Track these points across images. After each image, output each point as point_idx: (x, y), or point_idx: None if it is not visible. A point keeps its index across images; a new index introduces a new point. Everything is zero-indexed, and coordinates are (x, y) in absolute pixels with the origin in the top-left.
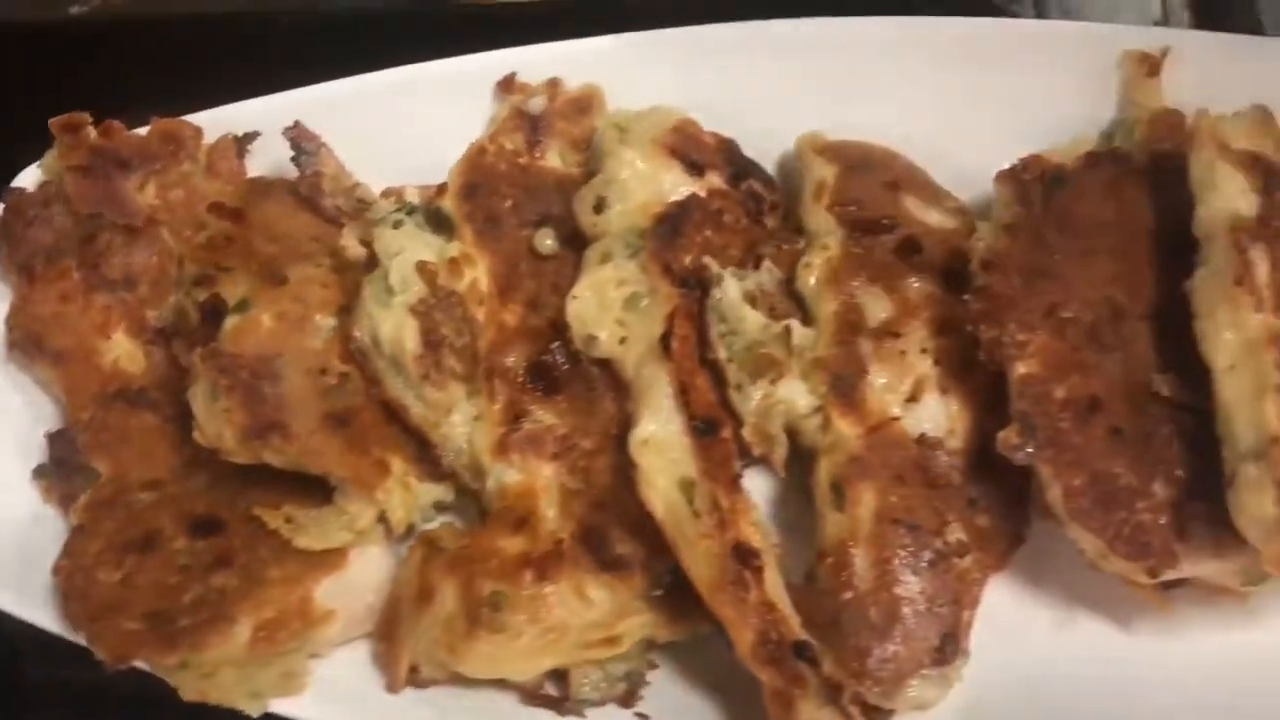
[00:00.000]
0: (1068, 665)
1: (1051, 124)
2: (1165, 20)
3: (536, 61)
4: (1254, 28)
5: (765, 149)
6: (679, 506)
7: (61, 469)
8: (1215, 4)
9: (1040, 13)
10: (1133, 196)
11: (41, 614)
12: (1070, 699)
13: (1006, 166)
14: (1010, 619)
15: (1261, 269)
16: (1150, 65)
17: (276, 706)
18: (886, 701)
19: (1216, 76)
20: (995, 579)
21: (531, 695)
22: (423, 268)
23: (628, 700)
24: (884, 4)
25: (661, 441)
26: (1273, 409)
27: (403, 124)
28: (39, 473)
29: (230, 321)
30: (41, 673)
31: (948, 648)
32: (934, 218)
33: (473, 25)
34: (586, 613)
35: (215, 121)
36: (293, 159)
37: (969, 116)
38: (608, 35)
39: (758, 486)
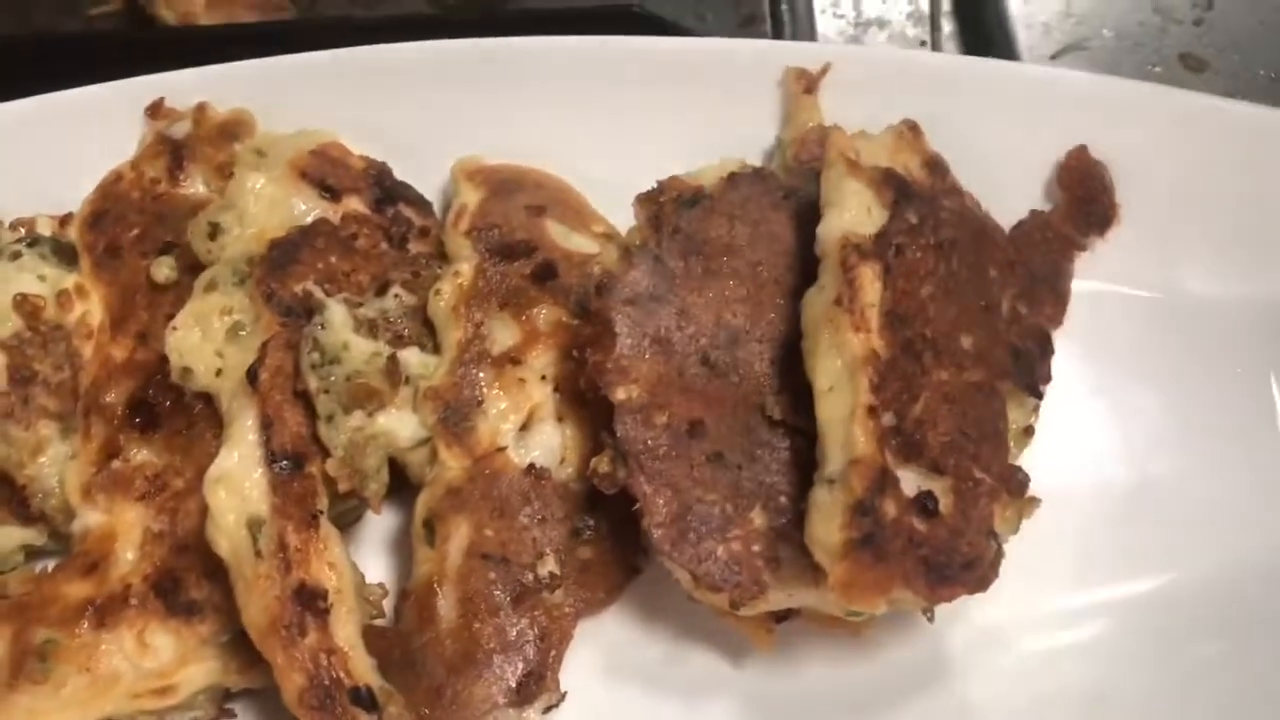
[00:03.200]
0: (673, 702)
1: (730, 143)
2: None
3: (189, 85)
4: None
5: (436, 175)
6: (243, 546)
7: None
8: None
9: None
10: (769, 217)
11: None
12: None
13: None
14: (620, 653)
15: (869, 290)
16: (807, 82)
17: None
18: None
19: (890, 94)
20: (606, 613)
21: None
22: (22, 301)
23: None
24: (560, 25)
25: (235, 479)
26: (860, 429)
27: (46, 151)
28: None
29: None
30: None
31: (530, 686)
32: (576, 243)
33: (133, 49)
34: (144, 661)
35: None
36: None
37: (641, 137)
38: (266, 57)
39: (378, 528)
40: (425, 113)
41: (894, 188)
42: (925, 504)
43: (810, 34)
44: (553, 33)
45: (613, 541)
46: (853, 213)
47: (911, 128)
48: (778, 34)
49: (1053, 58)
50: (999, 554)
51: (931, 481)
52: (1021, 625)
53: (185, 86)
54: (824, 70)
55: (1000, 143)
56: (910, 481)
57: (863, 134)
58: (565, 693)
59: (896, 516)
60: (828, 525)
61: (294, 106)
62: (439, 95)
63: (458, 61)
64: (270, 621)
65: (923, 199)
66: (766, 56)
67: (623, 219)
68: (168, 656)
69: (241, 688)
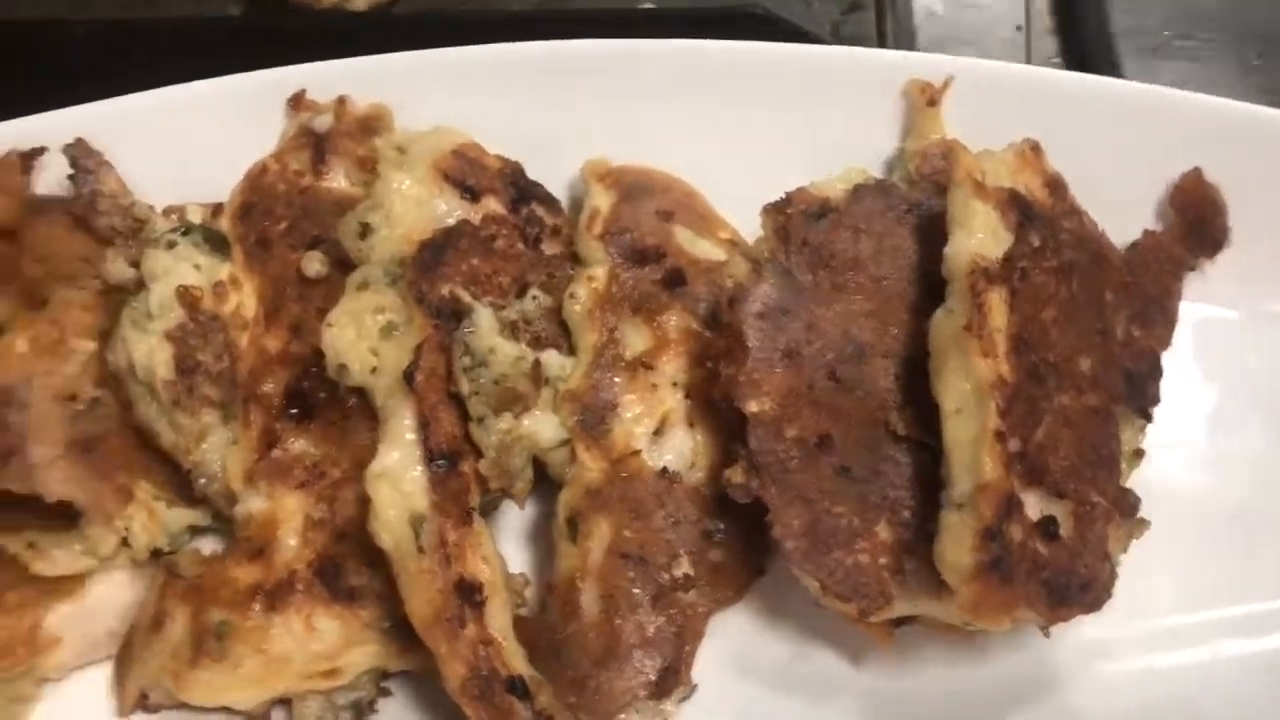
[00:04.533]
0: (797, 698)
1: (849, 152)
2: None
3: (327, 78)
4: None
5: (563, 169)
6: (405, 541)
7: None
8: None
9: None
10: (894, 231)
11: None
12: None
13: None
14: (744, 650)
15: (997, 314)
16: (930, 95)
17: None
18: None
19: (1008, 110)
20: (733, 610)
21: None
22: (184, 293)
23: None
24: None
25: (397, 474)
26: (988, 455)
27: (194, 140)
28: None
29: None
30: None
31: (666, 681)
32: (702, 249)
33: (275, 38)
34: (312, 644)
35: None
36: (70, 178)
37: (766, 142)
38: (403, 52)
39: (517, 519)
40: (551, 111)
41: (1018, 209)
42: (1048, 528)
43: (910, 24)
44: (679, 34)
45: (741, 544)
46: (980, 235)
47: (1033, 147)
48: (880, 22)
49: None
50: (1113, 575)
51: (1053, 505)
52: (1126, 641)
53: (324, 78)
54: (947, 84)
55: (1113, 161)
56: (1033, 505)
57: (987, 153)
58: (696, 685)
59: (1022, 540)
60: (958, 548)
61: (428, 101)
62: (566, 94)
63: (586, 61)
64: (434, 614)
65: (1045, 221)
66: (889, 67)
67: (742, 221)
68: (333, 640)
69: (398, 669)
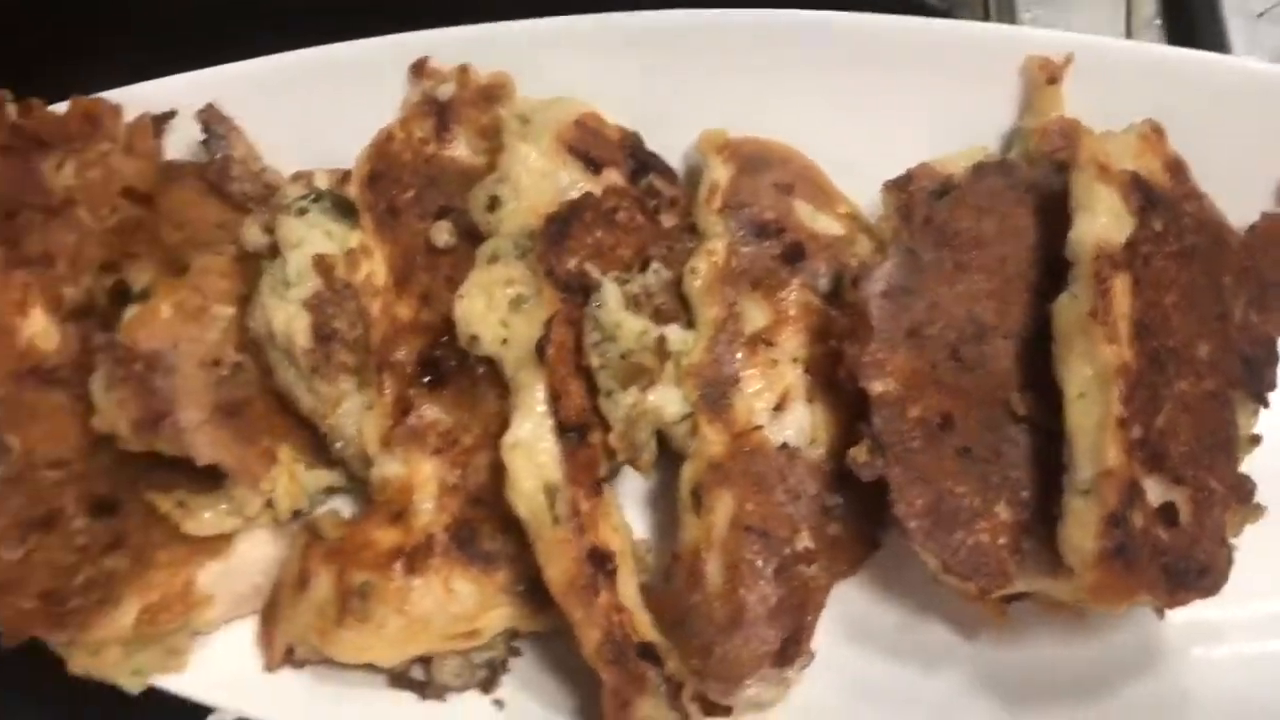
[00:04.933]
0: (909, 667)
1: (965, 126)
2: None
3: (449, 44)
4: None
5: (675, 140)
6: (541, 510)
7: None
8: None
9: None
10: (1015, 211)
11: None
12: (904, 697)
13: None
14: (858, 619)
15: (1121, 300)
16: (1051, 72)
17: (157, 682)
18: (725, 699)
19: (1124, 87)
20: (850, 580)
21: (398, 678)
22: (320, 261)
23: (487, 686)
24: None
25: (530, 446)
26: (1111, 442)
27: (316, 105)
28: None
29: (130, 311)
30: None
31: (788, 650)
32: (822, 223)
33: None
34: (451, 605)
35: (131, 99)
36: (202, 143)
37: (881, 115)
38: (524, 19)
39: (633, 485)
40: (666, 80)
41: (1141, 193)
42: (1169, 514)
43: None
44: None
45: (857, 518)
46: (1104, 219)
47: (1155, 129)
48: None
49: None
50: (1230, 560)
51: (1172, 491)
52: (1236, 624)
53: (443, 44)
54: (1068, 61)
55: (1231, 141)
56: (1154, 491)
57: (1109, 135)
58: (814, 653)
59: (1143, 526)
60: (1082, 533)
61: (548, 69)
62: (682, 64)
63: (706, 32)
64: (569, 582)
65: (1167, 204)
66: (1009, 41)
67: (857, 193)
68: (471, 603)
69: (529, 630)
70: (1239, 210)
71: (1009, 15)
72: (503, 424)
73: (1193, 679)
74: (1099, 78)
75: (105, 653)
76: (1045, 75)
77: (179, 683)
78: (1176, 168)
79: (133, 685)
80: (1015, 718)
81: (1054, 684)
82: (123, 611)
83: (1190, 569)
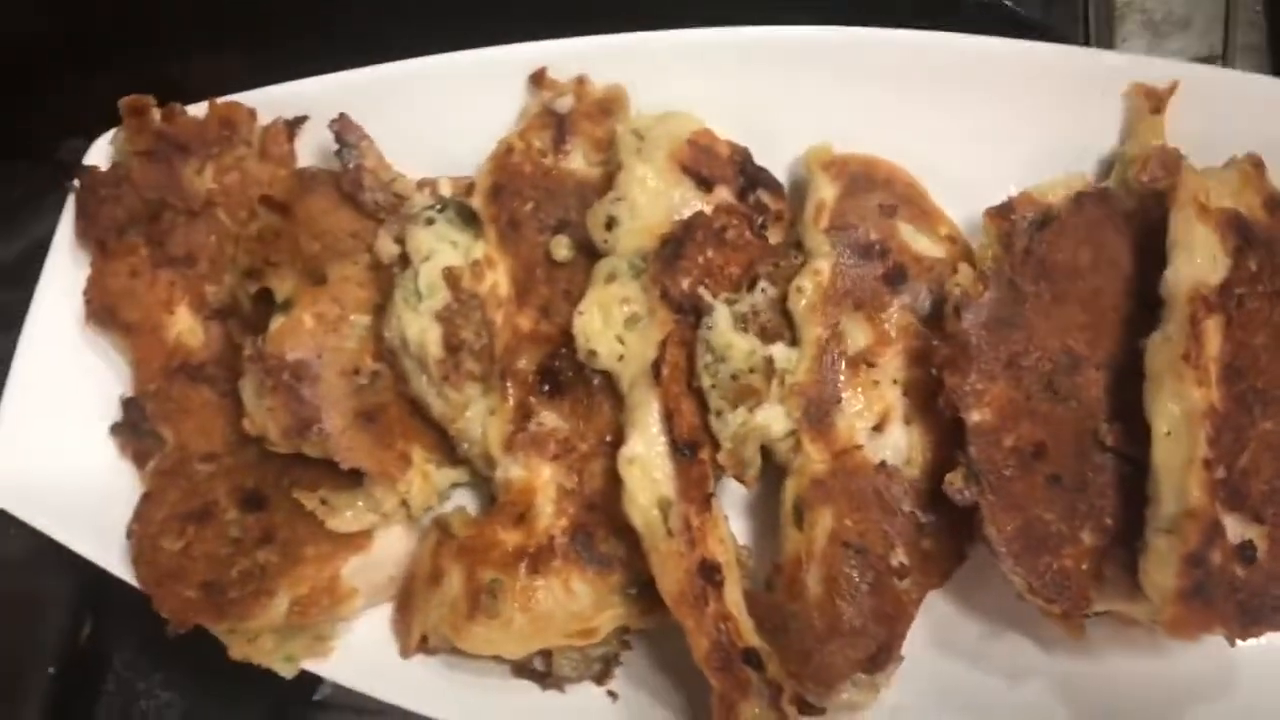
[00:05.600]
0: (993, 674)
1: (1066, 149)
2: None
3: (567, 55)
4: None
5: (781, 153)
6: (655, 524)
7: (134, 431)
8: None
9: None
10: (1112, 241)
11: (120, 566)
12: (984, 704)
13: (998, 202)
14: (947, 628)
15: (1213, 342)
16: (1155, 101)
17: (306, 666)
18: (821, 701)
19: (1225, 116)
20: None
21: (520, 669)
22: (448, 274)
23: (601, 679)
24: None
25: (646, 461)
26: (1196, 482)
27: (434, 111)
28: (114, 430)
29: (275, 322)
30: None
31: (880, 657)
32: (923, 245)
33: (512, 11)
34: (570, 605)
35: (263, 102)
36: (336, 153)
37: (984, 135)
38: (636, 32)
39: (735, 491)
40: (775, 95)
41: (1238, 233)
42: (1246, 552)
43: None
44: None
45: (949, 534)
46: (1201, 260)
47: (1256, 164)
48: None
49: None
50: None
51: (1251, 529)
52: None
53: (563, 56)
54: (1172, 89)
55: None
56: (1233, 528)
57: (1210, 171)
58: (903, 658)
59: (1221, 564)
60: (1164, 572)
61: (662, 81)
62: (792, 79)
63: (816, 47)
64: (681, 592)
65: (1262, 244)
66: (1115, 69)
67: (957, 207)
68: (588, 602)
69: (640, 628)
70: None
71: (1107, 39)
72: (617, 433)
73: (1267, 699)
74: (1200, 106)
75: (261, 640)
76: (1150, 104)
77: (326, 667)
78: (1275, 203)
79: (286, 670)
80: None
81: (1125, 697)
82: (277, 602)
83: (1265, 605)
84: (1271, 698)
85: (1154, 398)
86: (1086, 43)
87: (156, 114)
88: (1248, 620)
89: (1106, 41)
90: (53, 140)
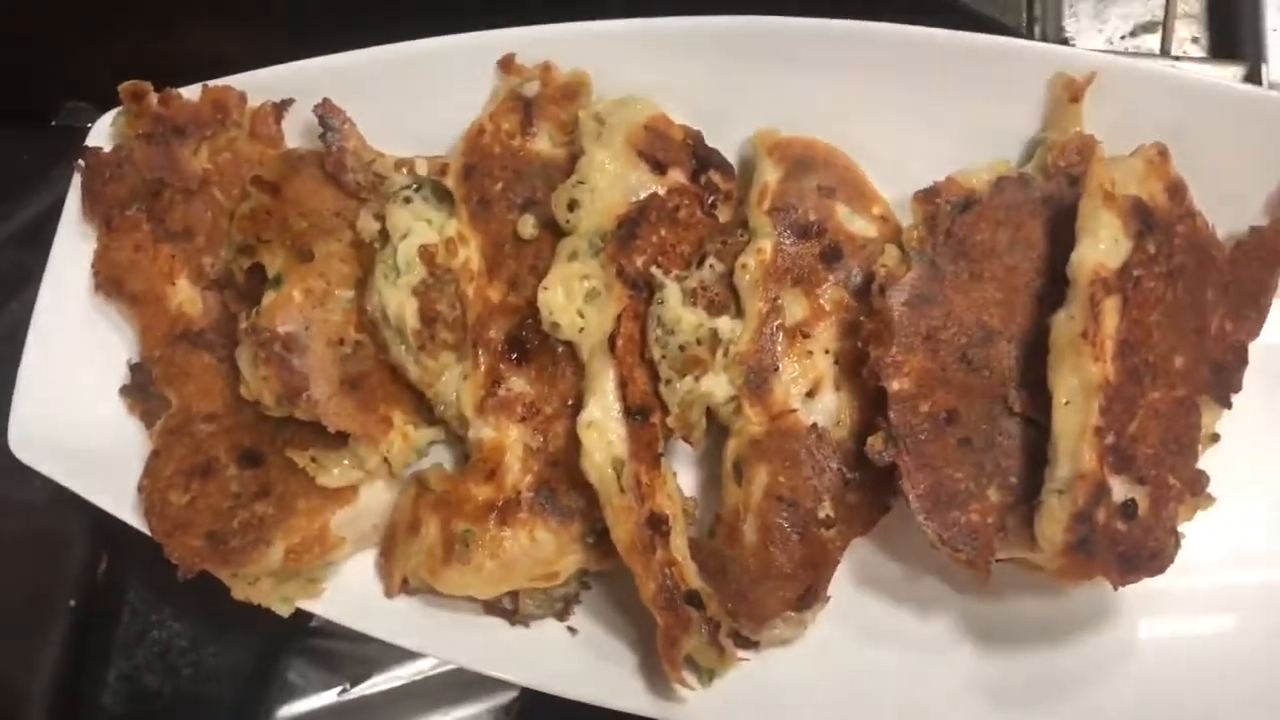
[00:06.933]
0: (910, 612)
1: (994, 134)
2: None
3: (533, 42)
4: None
5: (731, 134)
6: (610, 481)
7: (142, 393)
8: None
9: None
10: (1028, 222)
11: (133, 517)
12: (902, 639)
13: (924, 186)
14: (868, 569)
15: (1110, 321)
16: (1073, 90)
17: (301, 604)
18: (755, 635)
19: (1141, 105)
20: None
21: (490, 607)
22: (424, 251)
23: (563, 616)
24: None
25: (602, 425)
26: (1088, 448)
27: (411, 94)
28: (124, 392)
29: (267, 297)
30: None
31: (808, 598)
32: (858, 225)
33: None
34: (535, 551)
35: (252, 85)
36: (320, 136)
37: (919, 120)
38: (604, 20)
39: (684, 450)
40: (729, 81)
41: (1139, 219)
42: (1128, 509)
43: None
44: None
45: (872, 488)
46: (1104, 245)
47: (1161, 153)
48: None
49: None
50: (1177, 546)
51: (1135, 489)
52: (1184, 591)
53: (527, 42)
54: (1089, 80)
55: (1232, 159)
56: (1118, 489)
57: (1117, 160)
58: (829, 598)
59: (1105, 521)
60: (1054, 527)
61: (624, 67)
62: (746, 66)
63: (771, 36)
64: (632, 541)
65: (1162, 227)
66: (1039, 59)
67: (894, 189)
68: (551, 550)
69: (597, 570)
70: (1239, 225)
71: (1055, 6)
72: (579, 397)
73: (1140, 634)
74: (1116, 95)
75: (260, 583)
76: (1069, 93)
77: (318, 606)
78: (1176, 189)
79: (283, 609)
80: (993, 658)
81: (1026, 631)
82: (273, 550)
83: (1141, 554)
84: (1147, 630)
85: (1055, 371)
86: (1033, 9)
87: (153, 100)
88: (1126, 569)
89: (1055, 8)
90: (54, 101)
